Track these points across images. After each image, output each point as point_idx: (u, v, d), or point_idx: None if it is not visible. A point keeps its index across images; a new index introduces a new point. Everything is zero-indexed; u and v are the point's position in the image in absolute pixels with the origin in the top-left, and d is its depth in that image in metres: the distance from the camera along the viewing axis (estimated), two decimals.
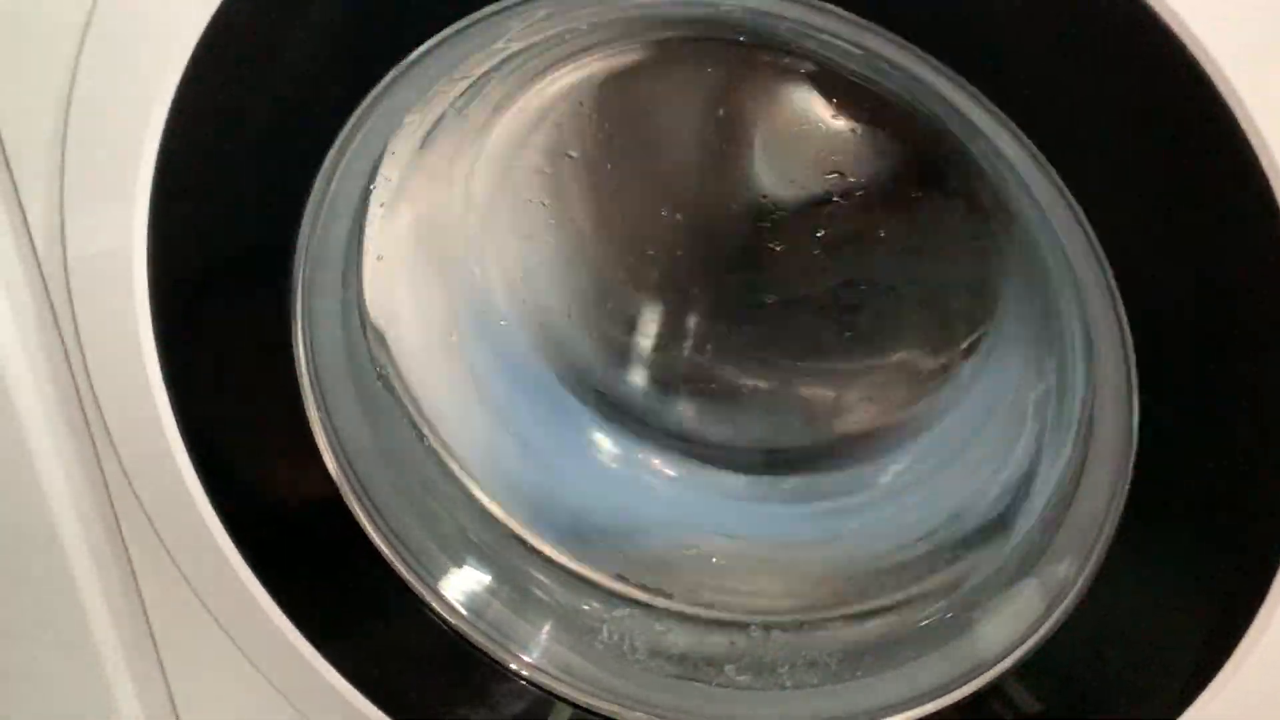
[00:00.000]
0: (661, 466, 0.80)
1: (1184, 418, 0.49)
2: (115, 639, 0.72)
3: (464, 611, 0.68)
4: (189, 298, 0.60)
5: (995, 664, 0.59)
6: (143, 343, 0.60)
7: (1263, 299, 0.45)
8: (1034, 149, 0.45)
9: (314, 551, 0.66)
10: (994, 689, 0.59)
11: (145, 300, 0.59)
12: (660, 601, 0.74)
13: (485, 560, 0.71)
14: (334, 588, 0.67)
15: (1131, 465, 0.50)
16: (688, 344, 0.79)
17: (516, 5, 0.49)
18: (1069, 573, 0.56)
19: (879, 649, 0.67)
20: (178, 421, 0.61)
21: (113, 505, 0.69)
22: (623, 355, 0.80)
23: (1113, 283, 0.47)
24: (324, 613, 0.66)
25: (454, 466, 0.73)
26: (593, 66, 0.67)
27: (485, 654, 0.67)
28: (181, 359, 0.60)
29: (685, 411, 0.80)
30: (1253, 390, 0.47)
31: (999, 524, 0.67)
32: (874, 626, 0.69)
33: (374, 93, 0.52)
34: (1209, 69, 0.41)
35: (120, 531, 0.69)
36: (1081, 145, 0.45)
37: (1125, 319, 0.47)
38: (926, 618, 0.67)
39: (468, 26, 0.49)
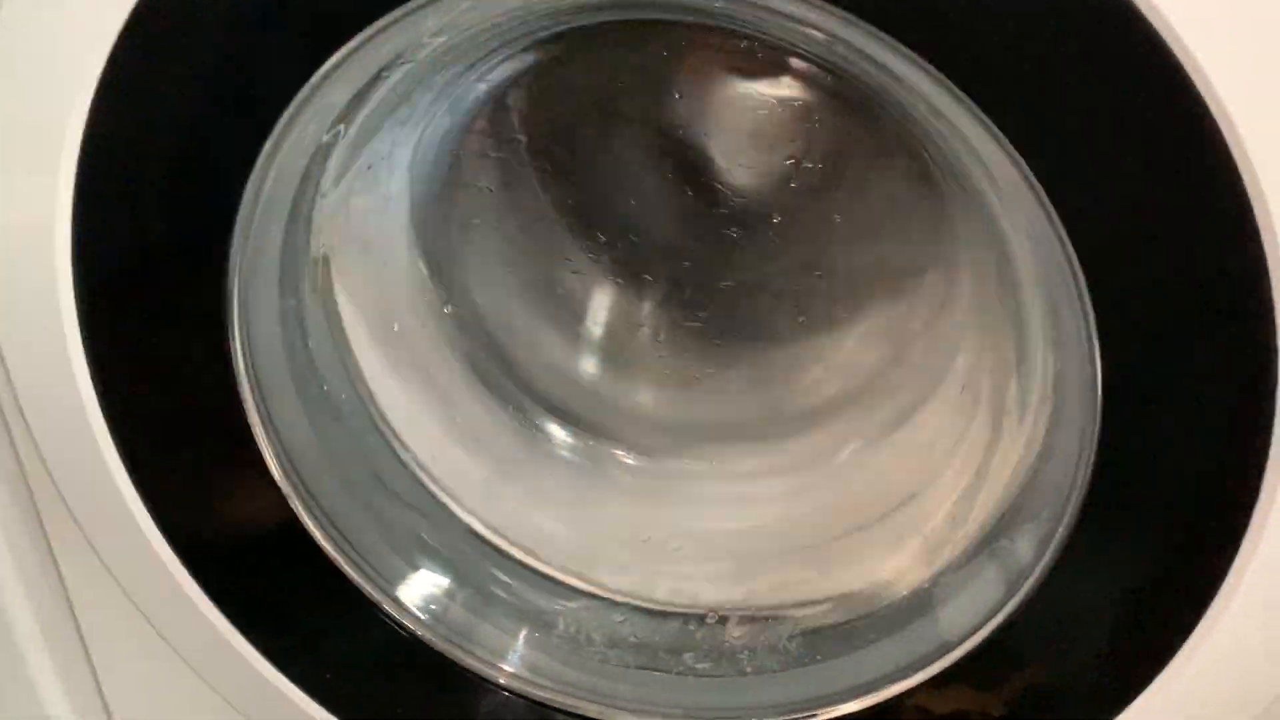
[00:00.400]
0: (615, 454, 0.79)
1: (1147, 402, 0.49)
2: (44, 648, 0.69)
3: (422, 615, 0.66)
4: (117, 292, 0.57)
5: (957, 646, 0.59)
6: (67, 335, 0.57)
7: (1229, 283, 0.44)
8: (999, 133, 0.45)
9: (259, 557, 0.64)
10: (953, 672, 0.59)
11: (70, 295, 0.56)
12: (616, 589, 0.73)
13: (441, 561, 0.70)
14: (281, 593, 0.65)
15: (1094, 447, 0.50)
16: (641, 330, 0.78)
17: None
18: (1029, 555, 0.56)
19: (839, 633, 0.67)
20: (106, 421, 0.58)
21: (35, 506, 0.66)
22: (574, 342, 0.79)
23: (1076, 265, 0.46)
24: (272, 618, 0.64)
25: (403, 462, 0.71)
26: (539, 51, 0.65)
27: (444, 656, 0.66)
28: (109, 354, 0.58)
29: (639, 397, 0.79)
30: (1217, 375, 0.47)
31: (958, 502, 0.67)
32: (833, 610, 0.69)
33: (313, 79, 0.49)
34: (1176, 50, 0.41)
35: (45, 536, 0.67)
36: (1046, 127, 0.44)
37: (1089, 300, 0.47)
38: (886, 600, 0.67)
39: (387, 25, 0.48)
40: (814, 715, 0.63)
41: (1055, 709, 0.57)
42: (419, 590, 0.68)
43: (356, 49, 0.49)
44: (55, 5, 0.50)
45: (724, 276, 0.74)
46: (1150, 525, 0.51)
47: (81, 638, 0.72)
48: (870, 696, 0.62)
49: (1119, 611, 0.53)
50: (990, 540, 0.62)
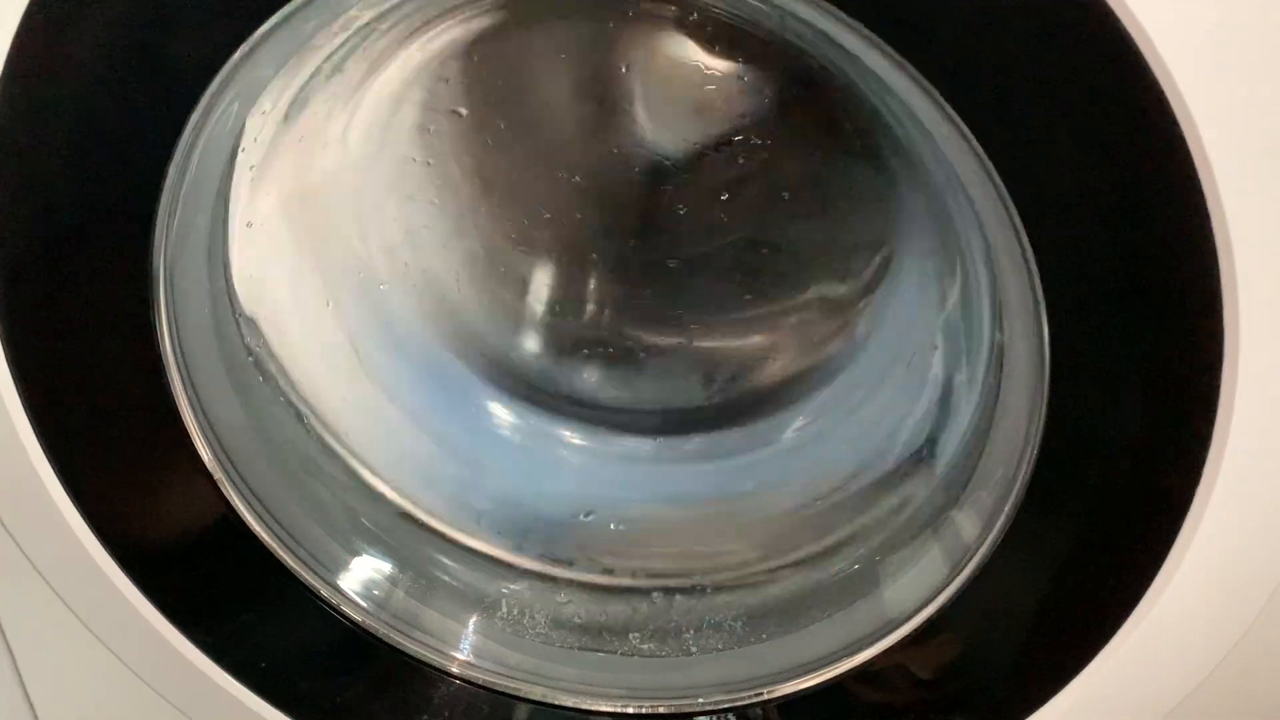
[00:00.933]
0: (558, 432, 0.78)
1: (1094, 383, 0.49)
2: None
3: (364, 603, 0.65)
4: (35, 270, 0.54)
5: (902, 624, 0.59)
6: None
7: (1176, 261, 0.44)
8: (951, 110, 0.44)
9: (191, 545, 0.62)
10: (899, 649, 0.59)
11: None
12: (559, 571, 0.72)
13: (381, 546, 0.68)
14: (216, 582, 0.63)
15: (1040, 427, 0.50)
16: (585, 307, 0.77)
17: None
18: (973, 534, 0.56)
19: (783, 611, 0.67)
20: (25, 409, 0.55)
21: None
22: (516, 320, 0.78)
23: (1026, 244, 0.46)
24: (207, 609, 0.62)
25: (336, 445, 0.70)
26: (477, 21, 0.63)
27: (386, 643, 0.64)
28: (28, 337, 0.55)
29: (582, 375, 0.78)
30: (1164, 357, 0.47)
31: (902, 481, 0.67)
32: (778, 588, 0.69)
33: (240, 51, 0.47)
34: (1131, 29, 0.40)
35: None
36: (997, 104, 0.44)
37: (1038, 280, 0.47)
38: (830, 578, 0.67)
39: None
40: (759, 694, 0.63)
41: (995, 685, 0.58)
42: (359, 576, 0.66)
43: (284, 20, 0.47)
44: None
45: (670, 254, 0.73)
46: (1093, 506, 0.51)
47: (7, 643, 0.69)
48: (816, 674, 0.62)
49: (1061, 590, 0.54)
50: (933, 519, 0.62)
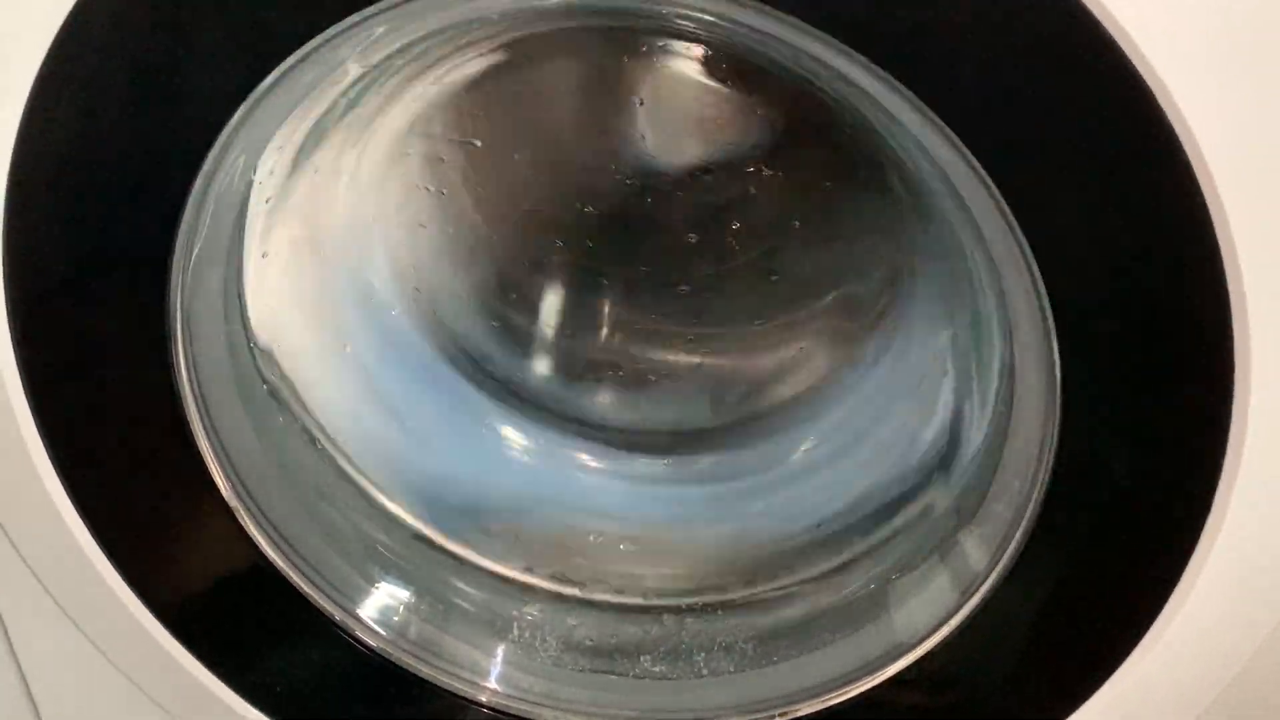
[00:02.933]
0: (569, 454, 0.78)
1: (1105, 412, 0.49)
2: None
3: (381, 631, 0.65)
4: (53, 303, 0.54)
5: (913, 648, 0.59)
6: (0, 352, 0.54)
7: (1187, 292, 0.45)
8: (960, 143, 0.44)
9: (209, 576, 0.63)
10: (911, 672, 0.59)
11: (1, 306, 0.53)
12: (570, 591, 0.72)
13: (398, 573, 0.68)
14: (235, 612, 0.63)
15: (1051, 455, 0.50)
16: (596, 330, 0.77)
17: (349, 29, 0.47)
18: (982, 561, 0.57)
19: (794, 633, 0.67)
20: (43, 439, 0.56)
21: None
22: (527, 344, 0.78)
23: (1037, 275, 0.46)
24: (227, 638, 0.62)
25: (350, 470, 0.70)
26: (492, 56, 0.64)
27: (404, 670, 0.65)
28: (45, 372, 0.55)
29: (593, 397, 0.78)
30: (1175, 387, 0.47)
31: (913, 503, 0.68)
32: (789, 610, 0.69)
33: (259, 89, 0.48)
34: (1134, 59, 0.41)
35: None
36: (1006, 139, 0.44)
37: (1049, 310, 0.47)
38: (841, 599, 0.67)
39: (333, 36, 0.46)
40: (772, 716, 0.63)
41: (1008, 711, 0.58)
42: (376, 604, 0.66)
43: (302, 59, 0.48)
44: None
45: (681, 280, 0.74)
46: (1104, 534, 0.51)
47: (22, 674, 0.69)
48: (827, 697, 0.62)
49: (1070, 615, 0.54)
50: (943, 541, 0.62)
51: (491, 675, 0.67)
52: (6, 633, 0.68)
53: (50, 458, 0.56)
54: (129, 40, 0.48)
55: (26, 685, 0.70)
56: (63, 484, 0.57)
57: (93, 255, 0.53)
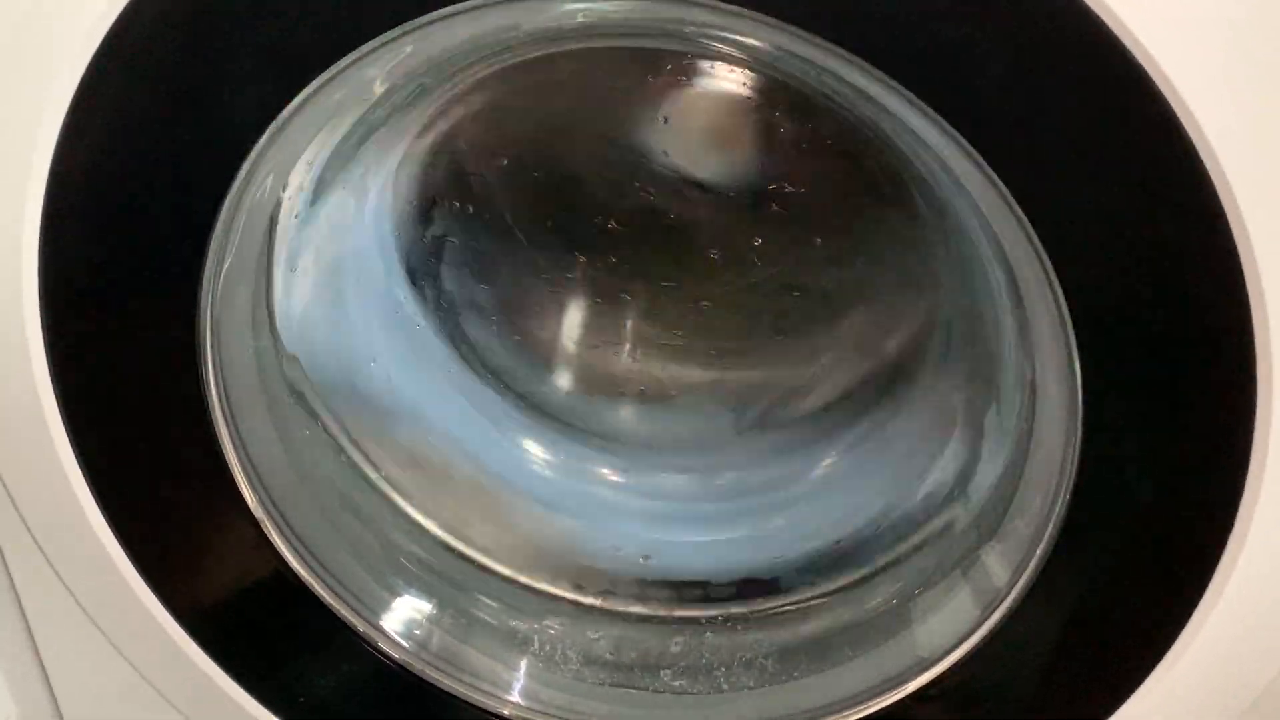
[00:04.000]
0: (590, 468, 0.78)
1: (1127, 427, 0.49)
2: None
3: (405, 643, 0.66)
4: (86, 316, 0.55)
5: (933, 665, 0.59)
6: (34, 363, 0.55)
7: (1209, 307, 0.45)
8: (980, 159, 0.45)
9: (234, 587, 0.63)
10: (933, 688, 0.59)
11: (36, 317, 0.54)
12: (592, 603, 0.73)
13: (421, 585, 0.69)
14: (260, 623, 0.64)
15: (1073, 472, 0.50)
16: (619, 346, 0.78)
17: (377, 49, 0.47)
18: (1004, 577, 0.57)
19: (815, 649, 0.67)
20: (75, 454, 0.57)
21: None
22: (550, 358, 0.78)
23: (1059, 291, 0.46)
24: (247, 647, 0.63)
25: (375, 478, 0.71)
26: (519, 76, 0.65)
27: (428, 682, 0.65)
28: (77, 382, 0.56)
29: (615, 412, 0.79)
30: (1195, 395, 0.47)
31: (933, 519, 0.68)
32: (808, 625, 0.69)
33: (288, 108, 0.48)
34: (1154, 75, 0.41)
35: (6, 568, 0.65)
36: (1030, 157, 0.44)
37: (1070, 328, 0.47)
38: (862, 615, 0.67)
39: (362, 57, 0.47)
40: None
41: None
42: (400, 616, 0.67)
43: (331, 79, 0.49)
44: (26, 28, 0.49)
45: (703, 296, 0.74)
46: (1126, 551, 0.51)
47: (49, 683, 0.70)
48: (848, 713, 0.62)
49: (1093, 634, 0.54)
50: (964, 557, 0.62)
51: (514, 689, 0.68)
52: (33, 639, 0.69)
53: (80, 466, 0.57)
54: (162, 62, 0.49)
55: (52, 690, 0.71)
56: (92, 493, 0.58)
57: (125, 269, 0.54)
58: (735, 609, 0.72)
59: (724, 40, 0.55)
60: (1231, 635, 0.50)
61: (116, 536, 0.58)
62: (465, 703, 0.66)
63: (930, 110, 0.44)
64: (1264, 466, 0.46)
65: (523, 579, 0.73)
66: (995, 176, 0.45)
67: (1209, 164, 0.42)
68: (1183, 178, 0.42)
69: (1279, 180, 0.42)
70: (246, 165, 0.51)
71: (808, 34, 0.44)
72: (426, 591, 0.69)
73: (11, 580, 0.67)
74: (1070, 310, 0.47)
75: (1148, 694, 0.52)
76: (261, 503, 0.60)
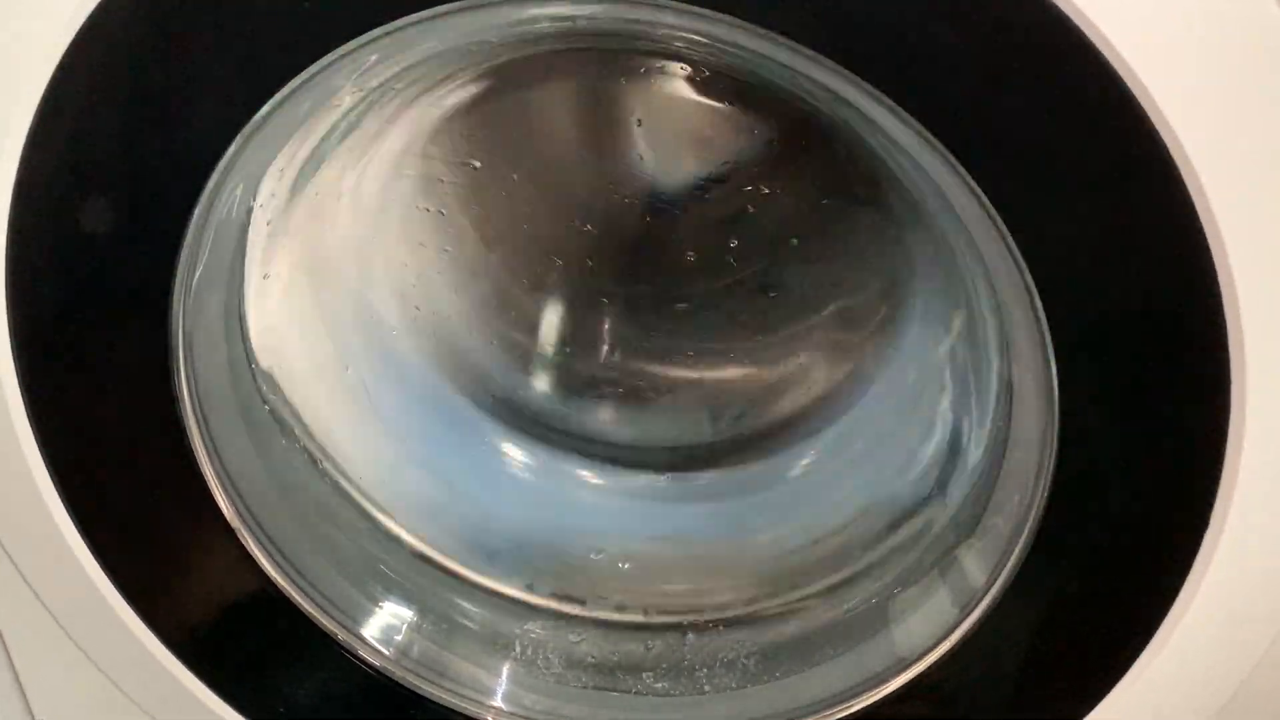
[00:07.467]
0: (569, 470, 0.78)
1: (1104, 427, 0.49)
2: None
3: (385, 650, 0.65)
4: (55, 328, 0.55)
5: (913, 664, 0.59)
6: (2, 377, 0.55)
7: (1183, 305, 0.45)
8: (951, 157, 0.45)
9: (212, 597, 0.63)
10: (913, 688, 0.60)
11: (4, 331, 0.54)
12: (571, 609, 0.73)
13: (400, 592, 0.69)
14: (239, 633, 0.63)
15: (1050, 471, 0.51)
16: (595, 348, 0.78)
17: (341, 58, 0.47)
18: (981, 576, 0.57)
19: (795, 649, 0.67)
20: (48, 468, 0.56)
21: None
22: (526, 361, 0.78)
23: (1034, 290, 0.47)
24: (227, 659, 0.62)
25: (350, 489, 0.70)
26: (496, 76, 0.64)
27: (413, 691, 0.65)
28: (48, 396, 0.56)
29: (593, 414, 0.79)
30: (1171, 392, 0.47)
31: (913, 518, 0.68)
32: (789, 625, 0.69)
33: (257, 115, 0.48)
34: (1128, 80, 0.41)
35: None
36: (1001, 157, 0.45)
37: (1046, 325, 0.47)
38: (842, 615, 0.67)
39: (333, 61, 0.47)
40: None
41: None
42: (380, 623, 0.67)
43: (299, 86, 0.48)
44: None
45: (679, 296, 0.74)
46: (1104, 548, 0.52)
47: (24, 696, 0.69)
48: (828, 713, 0.62)
49: (1070, 631, 0.54)
50: (943, 557, 0.62)
51: (496, 694, 0.67)
52: (10, 657, 0.69)
53: (53, 481, 0.57)
54: (129, 70, 0.48)
55: (29, 708, 0.70)
56: (66, 508, 0.57)
57: (95, 281, 0.54)
58: (716, 611, 0.72)
59: (693, 42, 0.55)
60: (1206, 635, 0.51)
61: (91, 550, 0.58)
62: (448, 709, 0.66)
63: (905, 114, 0.44)
64: (1238, 468, 0.47)
65: (501, 587, 0.73)
66: (970, 180, 0.45)
67: (1183, 169, 0.42)
68: (1157, 183, 0.43)
69: (1253, 184, 0.43)
70: (216, 173, 0.51)
71: (782, 38, 0.44)
72: (407, 599, 0.69)
73: None
74: (1046, 311, 0.47)
75: (1124, 693, 0.53)
76: (238, 513, 0.60)
